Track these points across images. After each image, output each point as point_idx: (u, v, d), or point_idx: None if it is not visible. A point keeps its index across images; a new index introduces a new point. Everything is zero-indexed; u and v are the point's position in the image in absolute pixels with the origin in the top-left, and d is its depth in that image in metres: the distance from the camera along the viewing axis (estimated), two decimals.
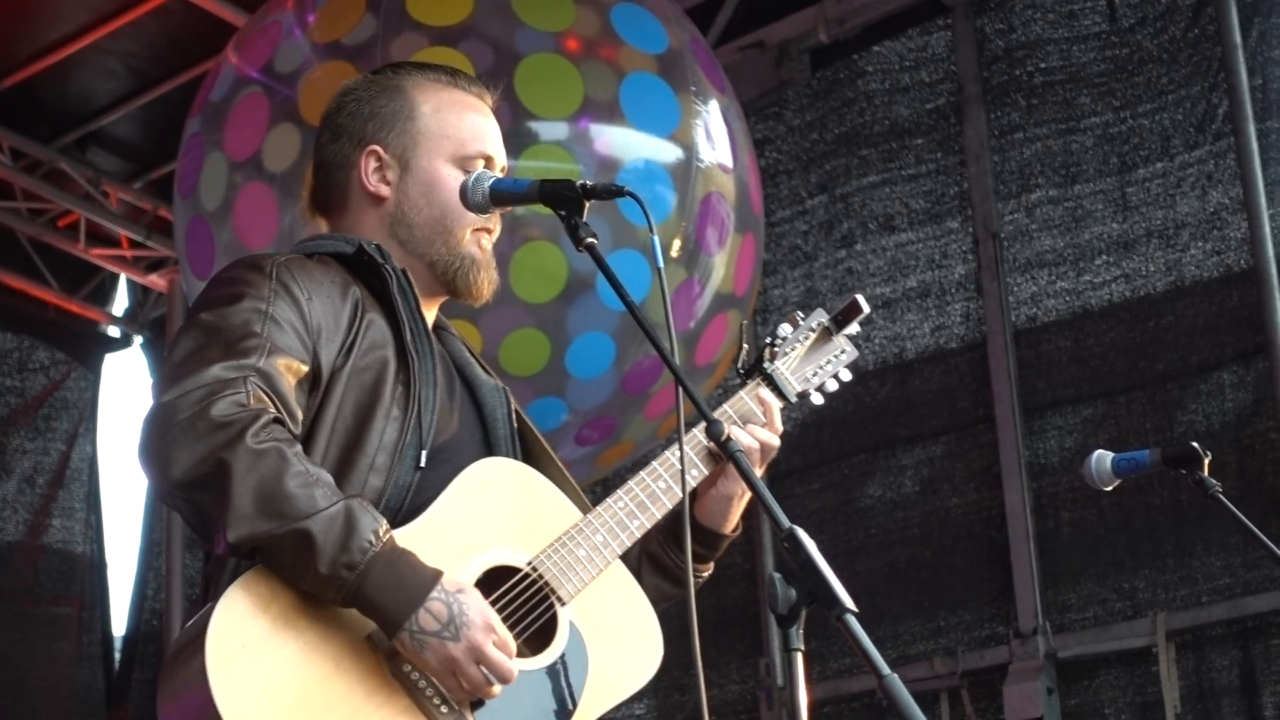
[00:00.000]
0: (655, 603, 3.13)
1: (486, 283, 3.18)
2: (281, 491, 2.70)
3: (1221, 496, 4.05)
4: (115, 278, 10.48)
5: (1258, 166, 7.22)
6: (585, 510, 3.07)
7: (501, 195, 3.12)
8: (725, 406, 3.26)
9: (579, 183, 2.97)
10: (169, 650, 2.82)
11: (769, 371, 3.34)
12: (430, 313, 3.19)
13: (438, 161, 3.18)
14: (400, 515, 2.89)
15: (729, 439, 2.83)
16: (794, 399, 3.35)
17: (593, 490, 6.31)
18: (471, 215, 3.15)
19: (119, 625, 10.21)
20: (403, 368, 3.00)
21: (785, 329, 3.39)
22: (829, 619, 2.47)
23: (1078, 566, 7.50)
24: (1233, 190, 7.34)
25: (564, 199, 2.97)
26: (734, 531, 3.31)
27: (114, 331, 10.64)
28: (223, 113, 6.01)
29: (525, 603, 2.92)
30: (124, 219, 9.80)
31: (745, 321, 3.99)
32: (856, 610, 2.46)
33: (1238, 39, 7.35)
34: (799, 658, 2.55)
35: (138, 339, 10.61)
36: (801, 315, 3.43)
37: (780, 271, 8.48)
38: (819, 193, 8.51)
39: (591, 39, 5.89)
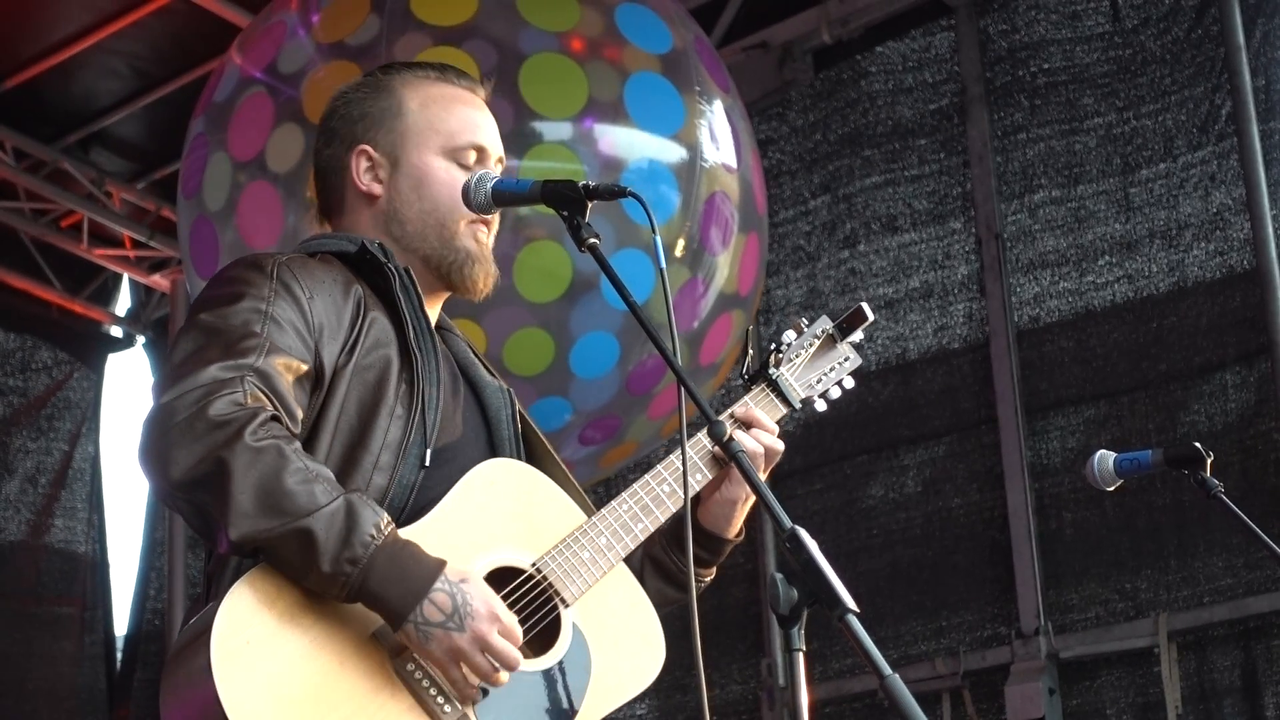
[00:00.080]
0: (657, 606, 3.13)
1: (483, 277, 3.17)
2: (281, 488, 2.70)
3: (1224, 497, 4.05)
4: (118, 278, 10.48)
5: (1261, 167, 7.23)
6: (589, 513, 3.07)
7: (504, 196, 3.12)
8: (730, 410, 3.27)
9: (581, 183, 2.97)
10: (172, 647, 2.82)
11: (774, 378, 3.34)
12: (433, 311, 3.19)
13: (427, 155, 3.18)
14: (404, 514, 2.90)
15: (731, 439, 2.84)
16: (798, 405, 3.36)
17: (595, 491, 6.32)
18: (465, 209, 3.15)
19: (121, 625, 10.23)
20: (406, 366, 3.00)
21: (790, 335, 3.40)
22: (831, 619, 2.48)
23: (1080, 567, 7.51)
24: (1236, 191, 7.34)
25: (566, 199, 2.97)
26: (737, 536, 3.31)
27: (117, 332, 10.64)
28: (227, 113, 6.01)
29: (529, 604, 2.92)
30: (127, 219, 9.81)
31: (750, 327, 3.99)
32: (858, 610, 2.46)
33: (1241, 40, 7.35)
34: (800, 658, 2.56)
35: (140, 339, 10.62)
36: (806, 322, 3.44)
37: (783, 272, 8.48)
38: (822, 193, 8.51)
39: (596, 39, 5.89)
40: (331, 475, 2.80)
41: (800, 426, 8.20)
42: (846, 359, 3.46)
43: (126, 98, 9.13)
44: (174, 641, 2.82)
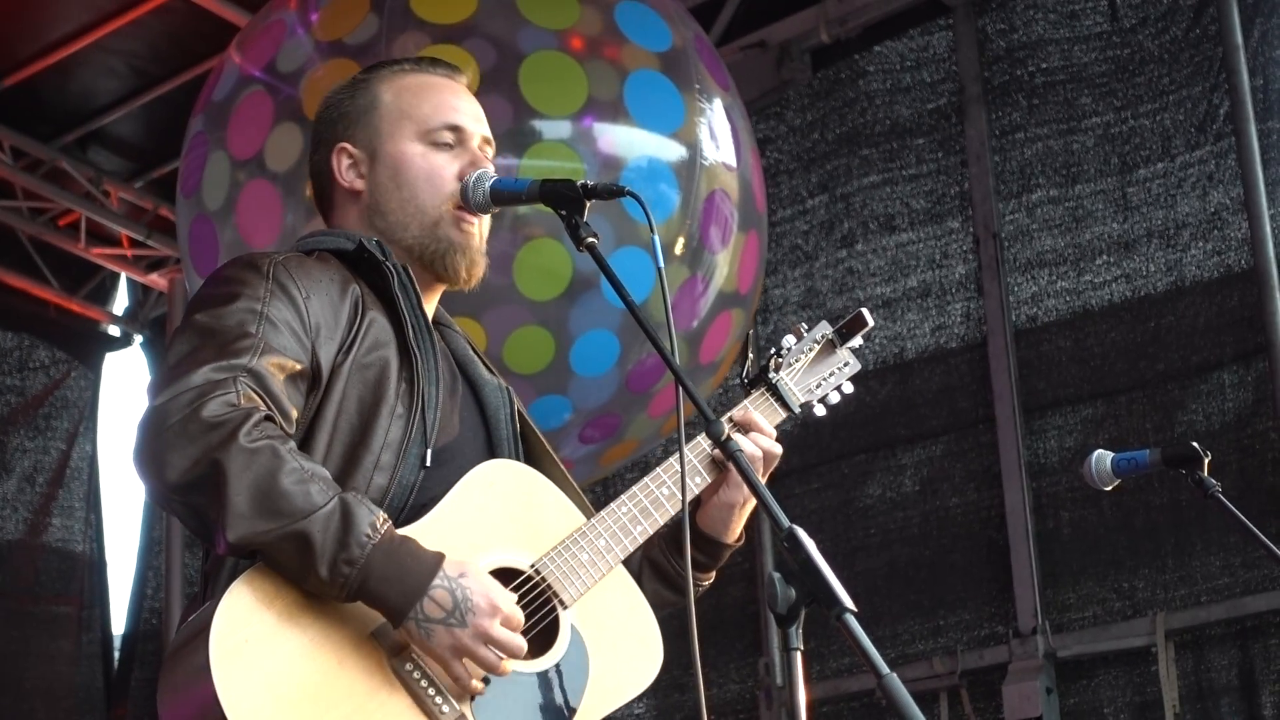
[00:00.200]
0: (655, 608, 3.13)
1: (466, 266, 3.16)
2: (277, 489, 2.70)
3: (1221, 496, 4.06)
4: (116, 277, 10.48)
5: (1259, 167, 7.23)
6: (588, 514, 3.07)
7: (502, 195, 3.13)
8: (729, 414, 3.27)
9: (580, 182, 2.97)
10: (170, 645, 2.82)
11: (774, 382, 3.35)
12: (429, 306, 3.18)
13: (403, 143, 3.18)
14: (403, 514, 2.89)
15: (729, 439, 2.84)
16: (797, 410, 3.37)
17: (593, 490, 6.32)
18: (446, 191, 3.15)
19: (118, 624, 10.23)
20: (406, 365, 2.99)
21: (790, 340, 3.41)
22: (828, 618, 2.48)
23: (1077, 566, 7.51)
24: (1233, 190, 7.34)
25: (565, 198, 2.97)
26: (736, 541, 3.31)
27: (114, 331, 10.65)
28: (226, 112, 6.01)
29: (528, 605, 2.91)
30: (125, 218, 9.81)
31: (750, 331, 3.99)
32: (856, 610, 2.46)
33: (1239, 39, 7.36)
34: (798, 657, 2.56)
35: (138, 338, 10.62)
36: (806, 327, 3.45)
37: (781, 271, 8.48)
38: (820, 192, 8.51)
39: (595, 37, 5.89)
40: (327, 474, 2.79)
41: (798, 426, 8.16)
42: (846, 364, 3.47)
43: (124, 97, 9.14)
44: (172, 640, 2.82)
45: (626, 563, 3.09)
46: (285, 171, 5.70)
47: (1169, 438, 7.21)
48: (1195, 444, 4.13)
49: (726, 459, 2.91)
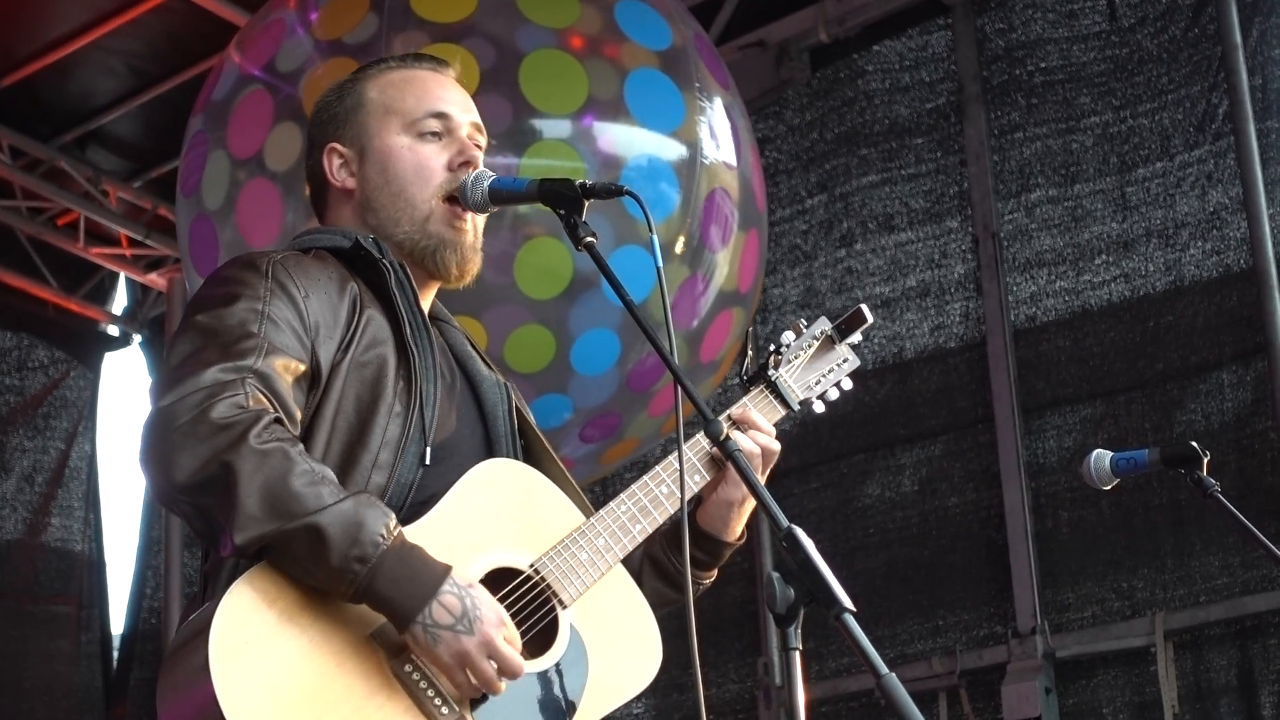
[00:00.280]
0: (656, 607, 3.12)
1: (457, 263, 3.15)
2: (288, 491, 2.69)
3: (1220, 496, 4.05)
4: (115, 276, 10.48)
5: (1257, 166, 7.23)
6: (587, 512, 3.06)
7: (501, 194, 3.12)
8: (728, 412, 3.26)
9: (578, 182, 2.97)
10: (170, 645, 2.81)
11: (773, 379, 3.34)
12: (425, 302, 3.18)
13: (390, 138, 3.18)
14: (403, 512, 2.88)
15: (727, 438, 2.83)
16: (797, 407, 3.36)
17: (592, 490, 6.32)
18: (436, 182, 3.15)
19: (117, 624, 10.23)
20: (403, 363, 2.99)
21: (789, 336, 3.40)
22: (827, 618, 2.47)
23: (1076, 566, 7.51)
24: (1232, 190, 7.34)
25: (563, 198, 2.97)
26: (737, 540, 3.30)
27: (113, 330, 10.65)
28: (225, 111, 6.01)
29: (527, 605, 2.91)
30: (123, 218, 9.81)
31: (750, 329, 3.98)
32: (855, 610, 2.46)
33: (1238, 39, 7.35)
34: (797, 657, 2.56)
35: (137, 338, 10.62)
36: (805, 323, 3.44)
37: (780, 271, 8.48)
38: (819, 192, 8.51)
39: (595, 36, 5.89)
40: (335, 477, 2.79)
41: (797, 425, 8.19)
42: (845, 360, 3.46)
43: (123, 96, 9.14)
44: (171, 640, 2.81)
45: (627, 561, 3.08)
46: (285, 171, 5.70)
47: (1168, 437, 7.21)
48: (1194, 444, 4.13)
49: (725, 458, 2.91)
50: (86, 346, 10.47)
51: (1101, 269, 7.66)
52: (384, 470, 2.91)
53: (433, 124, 3.19)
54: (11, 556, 9.85)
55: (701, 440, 3.17)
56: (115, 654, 10.14)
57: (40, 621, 9.86)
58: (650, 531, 3.08)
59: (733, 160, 6.13)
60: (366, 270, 3.08)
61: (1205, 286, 7.40)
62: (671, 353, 2.85)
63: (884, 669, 2.39)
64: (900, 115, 8.32)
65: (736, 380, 3.41)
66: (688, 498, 3.05)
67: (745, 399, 3.31)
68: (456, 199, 3.14)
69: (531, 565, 2.95)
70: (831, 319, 3.47)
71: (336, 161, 3.21)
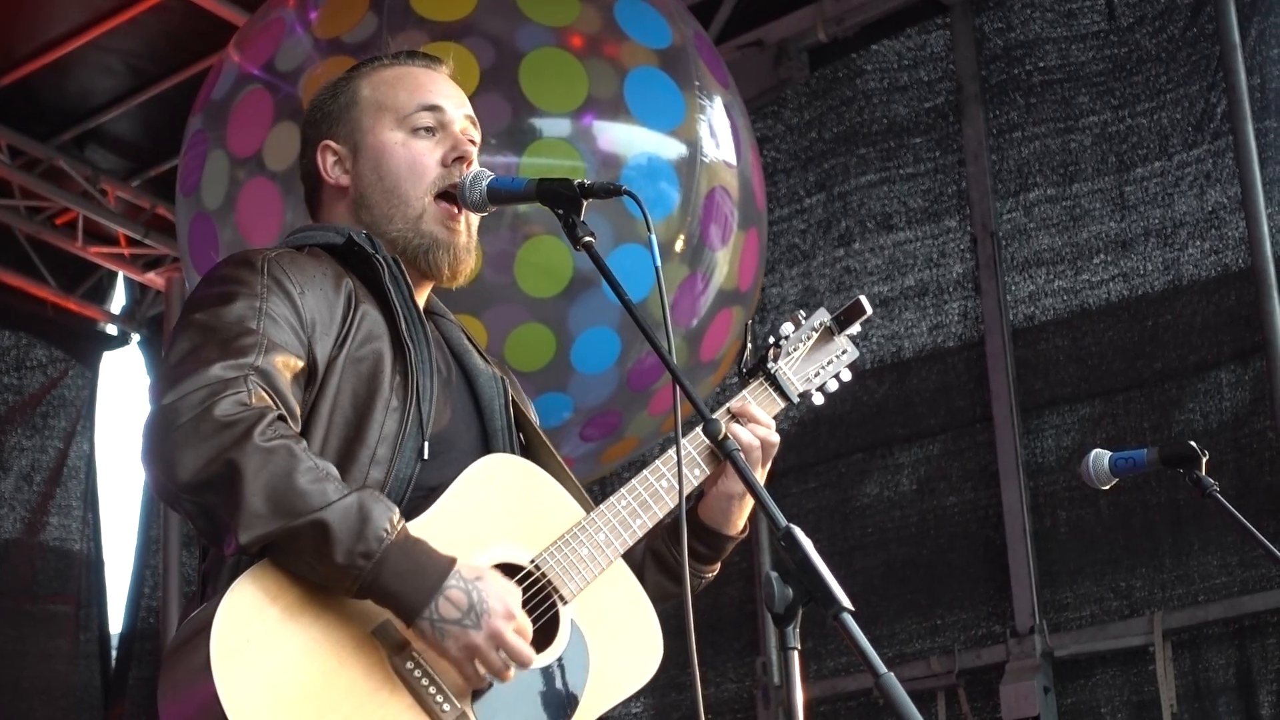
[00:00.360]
0: (658, 600, 3.13)
1: (450, 263, 3.14)
2: (294, 489, 2.69)
3: (1219, 496, 4.05)
4: (113, 275, 10.48)
5: (1256, 166, 7.23)
6: (587, 507, 3.06)
7: (499, 194, 3.12)
8: (727, 405, 3.26)
9: (577, 181, 2.97)
10: (170, 643, 2.81)
11: (772, 372, 3.34)
12: (421, 299, 3.18)
13: (383, 134, 3.18)
14: (402, 508, 2.86)
15: (726, 438, 2.83)
16: (796, 399, 3.35)
17: (592, 489, 6.31)
18: (430, 178, 3.15)
19: (116, 623, 10.22)
20: (399, 358, 2.99)
21: (788, 328, 3.39)
22: (826, 618, 2.47)
23: (1075, 565, 7.51)
24: (1231, 189, 7.34)
25: (562, 198, 2.96)
26: (740, 533, 3.29)
27: (112, 329, 10.65)
28: (225, 110, 6.01)
29: (528, 601, 2.90)
30: (122, 217, 9.80)
31: (749, 321, 3.97)
32: (853, 609, 2.46)
33: (1236, 38, 7.36)
34: (795, 656, 2.55)
35: (135, 337, 10.62)
36: (804, 314, 3.43)
37: (778, 270, 8.48)
38: (817, 191, 8.51)
39: (595, 34, 5.89)
40: (338, 474, 2.79)
41: (795, 425, 8.20)
42: (844, 352, 3.45)
43: (121, 95, 9.13)
44: (172, 638, 2.81)
45: (629, 554, 3.08)
46: (285, 170, 5.70)
47: (1166, 437, 7.21)
48: (1193, 443, 4.13)
49: (723, 458, 2.91)
50: (85, 345, 10.47)
51: (1100, 268, 7.66)
52: (382, 465, 2.91)
53: (426, 118, 3.19)
54: (10, 556, 9.85)
55: (702, 434, 3.16)
56: (114, 653, 10.13)
57: (38, 621, 9.86)
58: (651, 526, 3.08)
59: (732, 159, 6.13)
60: (361, 266, 3.08)
61: (1203, 286, 7.40)
62: (670, 352, 2.85)
63: (882, 668, 2.39)
64: (899, 115, 8.32)
65: (735, 380, 3.39)
66: (688, 492, 3.04)
67: (744, 392, 3.30)
68: (451, 196, 3.14)
69: (532, 561, 2.94)
70: (830, 310, 3.46)
71: (330, 159, 3.22)
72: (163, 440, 2.73)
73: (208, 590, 2.86)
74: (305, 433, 2.88)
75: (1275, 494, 7.01)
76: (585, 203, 2.95)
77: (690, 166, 5.91)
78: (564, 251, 5.58)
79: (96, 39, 8.52)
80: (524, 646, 2.78)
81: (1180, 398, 7.37)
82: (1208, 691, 7.12)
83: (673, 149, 5.90)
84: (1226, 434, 7.18)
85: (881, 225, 8.29)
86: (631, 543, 3.05)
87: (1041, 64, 7.95)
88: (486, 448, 3.11)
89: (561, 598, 2.94)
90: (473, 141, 3.22)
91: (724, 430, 2.87)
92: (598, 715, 2.96)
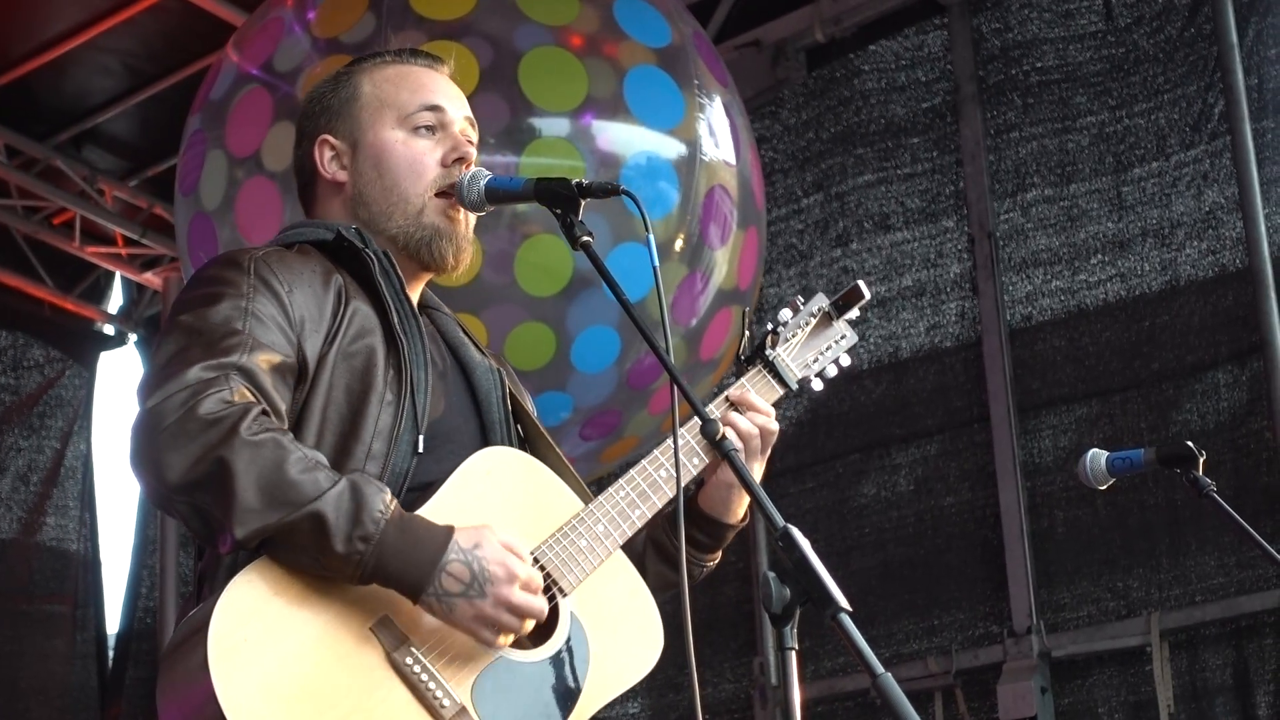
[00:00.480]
0: (659, 590, 3.13)
1: (453, 253, 3.14)
2: (285, 479, 2.69)
3: (1216, 496, 4.05)
4: (110, 275, 10.48)
5: (1254, 166, 7.23)
6: (586, 499, 3.06)
7: (497, 193, 3.11)
8: (725, 394, 3.25)
9: (575, 181, 2.97)
10: (168, 643, 2.80)
11: (770, 359, 3.33)
12: (414, 295, 3.17)
13: (384, 131, 3.18)
14: (399, 501, 2.88)
15: (724, 438, 2.83)
16: (795, 386, 3.34)
17: (590, 489, 6.31)
18: (429, 177, 3.14)
19: (113, 623, 10.21)
20: (393, 352, 2.98)
21: (786, 314, 3.38)
22: (823, 618, 2.47)
23: (1072, 566, 7.51)
24: (1228, 190, 7.35)
25: (560, 197, 2.96)
26: (740, 521, 3.29)
27: (109, 329, 10.64)
28: (224, 110, 6.01)
29: None
30: (119, 217, 9.80)
31: (746, 308, 3.95)
32: (851, 609, 2.46)
33: (1234, 38, 7.36)
34: (793, 656, 2.55)
35: (133, 337, 10.62)
36: (801, 300, 3.42)
37: (776, 270, 8.48)
38: (815, 191, 8.51)
39: (594, 33, 5.89)
40: (327, 461, 2.79)
41: (793, 425, 8.21)
42: (843, 337, 3.44)
43: (119, 95, 9.13)
44: (170, 638, 2.81)
45: (630, 544, 3.08)
46: (284, 170, 5.69)
47: (1164, 437, 7.21)
48: (1190, 443, 4.13)
49: (722, 458, 2.91)
50: (82, 345, 10.47)
51: (1097, 269, 7.66)
52: (378, 460, 2.90)
53: (427, 118, 3.18)
54: (7, 556, 9.84)
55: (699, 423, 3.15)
56: (110, 653, 10.13)
57: (35, 621, 9.85)
58: (650, 516, 3.07)
59: (732, 158, 6.13)
60: (350, 262, 3.07)
61: (1201, 286, 7.40)
62: (668, 351, 2.85)
63: (880, 669, 2.39)
64: (896, 115, 8.32)
65: (733, 372, 3.38)
66: (687, 480, 3.04)
67: (743, 379, 3.30)
68: (450, 194, 3.14)
69: (531, 553, 2.93)
70: (828, 295, 3.45)
71: (328, 154, 3.21)
72: (149, 444, 2.73)
73: (204, 590, 2.85)
74: (299, 430, 2.88)
75: (1272, 494, 7.02)
76: (583, 202, 2.95)
77: (690, 165, 5.91)
78: (563, 250, 5.58)
79: (94, 39, 8.52)
80: (532, 601, 2.79)
81: (1177, 398, 7.37)
82: (1205, 692, 7.12)
83: (672, 148, 5.90)
84: (1224, 434, 7.18)
85: (879, 225, 8.30)
86: (631, 533, 3.05)
87: (1039, 64, 7.95)
88: (485, 440, 3.11)
89: (561, 590, 2.94)
90: (471, 143, 3.22)
91: (722, 430, 2.86)
92: (599, 707, 2.96)
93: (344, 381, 2.94)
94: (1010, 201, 7.94)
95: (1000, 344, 7.79)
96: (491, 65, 5.68)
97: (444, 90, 3.24)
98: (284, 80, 5.85)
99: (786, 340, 3.37)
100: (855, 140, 8.40)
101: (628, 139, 5.81)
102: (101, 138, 9.58)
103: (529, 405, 3.28)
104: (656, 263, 2.88)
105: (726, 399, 3.24)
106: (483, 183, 3.11)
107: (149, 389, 2.77)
